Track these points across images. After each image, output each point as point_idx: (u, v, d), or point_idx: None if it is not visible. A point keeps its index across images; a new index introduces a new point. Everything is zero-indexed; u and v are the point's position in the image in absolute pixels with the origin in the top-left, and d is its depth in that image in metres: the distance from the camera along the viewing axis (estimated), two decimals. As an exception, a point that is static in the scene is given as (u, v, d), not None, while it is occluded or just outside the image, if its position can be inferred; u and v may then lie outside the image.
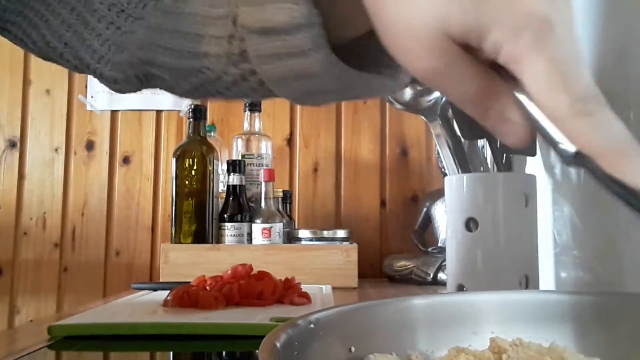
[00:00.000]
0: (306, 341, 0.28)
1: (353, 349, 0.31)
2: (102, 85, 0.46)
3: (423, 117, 0.71)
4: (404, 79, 0.37)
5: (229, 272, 0.77)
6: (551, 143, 0.25)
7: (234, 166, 1.05)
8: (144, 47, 0.38)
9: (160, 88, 0.42)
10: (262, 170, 1.06)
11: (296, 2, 0.31)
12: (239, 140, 1.16)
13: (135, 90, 0.43)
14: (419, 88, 0.70)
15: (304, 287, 0.75)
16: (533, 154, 0.70)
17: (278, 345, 0.25)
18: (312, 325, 0.29)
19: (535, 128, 0.25)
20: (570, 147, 0.24)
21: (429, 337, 0.34)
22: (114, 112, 1.39)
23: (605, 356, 0.33)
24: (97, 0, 0.39)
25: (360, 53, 0.36)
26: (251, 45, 0.33)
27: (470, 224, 0.63)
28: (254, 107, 1.16)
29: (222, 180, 1.13)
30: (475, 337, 0.34)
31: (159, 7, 0.37)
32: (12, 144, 1.39)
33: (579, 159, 0.24)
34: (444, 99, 0.70)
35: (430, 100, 0.69)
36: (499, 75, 0.26)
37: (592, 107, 0.24)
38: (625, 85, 0.59)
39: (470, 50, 0.25)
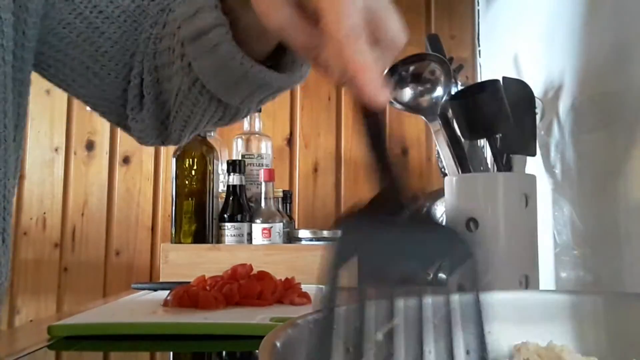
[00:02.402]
0: (305, 341, 0.28)
1: (351, 350, 0.30)
2: None
3: (423, 117, 0.71)
4: (300, 77, 0.48)
5: (229, 272, 0.77)
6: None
7: (234, 166, 1.05)
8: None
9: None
10: (262, 170, 1.06)
11: (211, 11, 0.43)
12: (239, 140, 1.16)
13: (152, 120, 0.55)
14: (419, 88, 0.70)
15: (304, 287, 0.75)
16: (533, 154, 0.70)
17: (278, 345, 0.25)
18: (311, 326, 0.29)
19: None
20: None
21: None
22: (114, 112, 1.39)
23: (603, 356, 0.33)
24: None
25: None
26: (189, 51, 0.46)
27: (470, 224, 0.63)
28: (254, 107, 1.16)
29: (222, 180, 1.13)
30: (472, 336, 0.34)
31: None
32: (12, 144, 1.39)
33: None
34: (444, 99, 0.69)
35: (430, 100, 0.69)
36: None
37: (360, 38, 0.31)
38: (625, 85, 0.59)
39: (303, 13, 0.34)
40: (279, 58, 0.48)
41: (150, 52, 0.52)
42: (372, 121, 0.31)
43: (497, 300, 0.37)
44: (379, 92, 0.30)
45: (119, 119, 0.57)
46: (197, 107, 0.51)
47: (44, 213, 1.38)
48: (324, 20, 0.32)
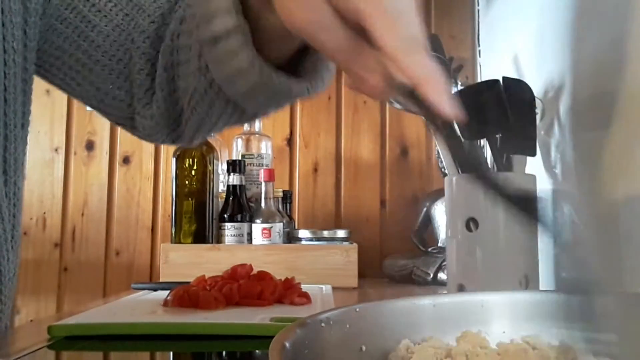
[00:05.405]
0: (317, 340, 0.28)
1: (364, 348, 0.31)
2: None
3: (423, 117, 0.71)
4: (322, 85, 0.47)
5: (229, 272, 0.77)
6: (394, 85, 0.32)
7: (234, 166, 1.05)
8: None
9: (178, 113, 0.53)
10: (262, 170, 1.06)
11: (230, 14, 0.41)
12: (239, 140, 1.16)
13: (166, 126, 0.54)
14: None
15: (304, 287, 0.75)
16: (533, 154, 0.70)
17: (287, 345, 0.25)
18: (322, 325, 0.29)
19: (388, 79, 0.32)
20: (408, 84, 0.31)
21: (439, 336, 0.34)
22: (114, 112, 1.39)
23: (614, 356, 0.33)
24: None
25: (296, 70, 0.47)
26: (207, 54, 0.44)
27: (470, 224, 0.63)
28: (254, 107, 1.16)
29: (222, 180, 1.13)
30: (485, 336, 0.34)
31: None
32: (12, 144, 1.39)
33: (412, 94, 0.31)
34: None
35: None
36: (364, 40, 0.32)
37: (418, 48, 0.31)
38: (625, 85, 0.59)
39: (340, 17, 0.32)
40: (297, 61, 0.46)
41: (167, 48, 0.51)
42: (441, 122, 0.32)
43: (506, 301, 0.37)
44: (449, 104, 0.31)
45: (121, 119, 0.56)
46: (213, 109, 0.49)
47: (44, 213, 1.38)
48: (372, 26, 0.30)
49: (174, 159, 1.06)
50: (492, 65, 1.24)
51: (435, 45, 0.74)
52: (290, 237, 1.09)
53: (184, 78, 0.50)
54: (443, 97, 0.30)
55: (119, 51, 0.53)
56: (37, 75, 0.55)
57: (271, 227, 1.02)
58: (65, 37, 0.52)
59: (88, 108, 0.58)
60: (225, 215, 1.04)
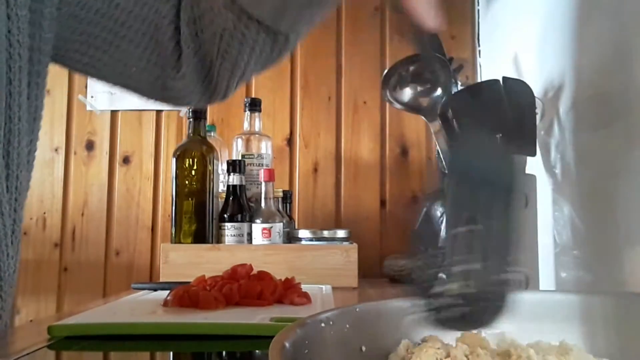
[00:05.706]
0: (317, 340, 0.28)
1: (364, 348, 0.31)
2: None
3: (423, 117, 0.71)
4: None
5: (229, 272, 0.77)
6: None
7: (234, 166, 1.05)
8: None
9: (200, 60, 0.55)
10: (262, 170, 1.06)
11: None
12: (239, 140, 1.15)
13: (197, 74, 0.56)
14: (419, 88, 0.70)
15: (304, 287, 0.75)
16: (533, 154, 0.70)
17: (287, 345, 0.25)
18: (322, 325, 0.29)
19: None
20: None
21: (439, 336, 0.34)
22: (114, 112, 1.39)
23: (614, 356, 0.33)
24: None
25: None
26: None
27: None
28: (254, 107, 1.16)
29: (222, 180, 1.13)
30: (485, 336, 0.34)
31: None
32: (12, 144, 1.38)
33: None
34: (444, 99, 0.69)
35: (430, 100, 0.69)
36: None
37: None
38: (625, 85, 0.59)
39: None
40: None
41: (186, 6, 0.53)
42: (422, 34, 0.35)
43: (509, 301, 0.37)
44: (431, 16, 0.35)
45: (149, 92, 0.58)
46: (245, 44, 0.51)
47: (44, 213, 1.38)
48: None
49: (174, 159, 1.06)
50: (492, 65, 1.24)
51: (435, 45, 0.74)
52: (290, 237, 1.09)
53: (209, 26, 0.52)
54: (426, 10, 0.34)
55: (144, 24, 0.54)
56: (57, 63, 0.56)
57: (271, 227, 1.02)
58: (88, 21, 0.53)
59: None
60: (225, 215, 1.04)
